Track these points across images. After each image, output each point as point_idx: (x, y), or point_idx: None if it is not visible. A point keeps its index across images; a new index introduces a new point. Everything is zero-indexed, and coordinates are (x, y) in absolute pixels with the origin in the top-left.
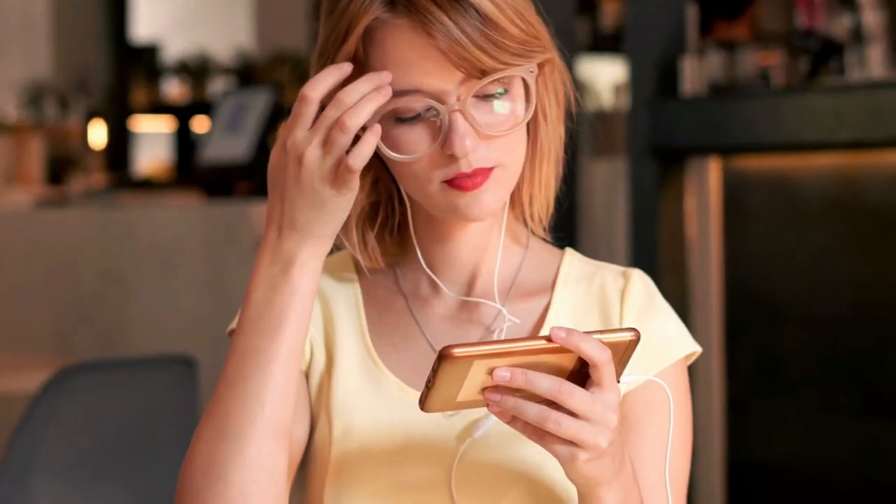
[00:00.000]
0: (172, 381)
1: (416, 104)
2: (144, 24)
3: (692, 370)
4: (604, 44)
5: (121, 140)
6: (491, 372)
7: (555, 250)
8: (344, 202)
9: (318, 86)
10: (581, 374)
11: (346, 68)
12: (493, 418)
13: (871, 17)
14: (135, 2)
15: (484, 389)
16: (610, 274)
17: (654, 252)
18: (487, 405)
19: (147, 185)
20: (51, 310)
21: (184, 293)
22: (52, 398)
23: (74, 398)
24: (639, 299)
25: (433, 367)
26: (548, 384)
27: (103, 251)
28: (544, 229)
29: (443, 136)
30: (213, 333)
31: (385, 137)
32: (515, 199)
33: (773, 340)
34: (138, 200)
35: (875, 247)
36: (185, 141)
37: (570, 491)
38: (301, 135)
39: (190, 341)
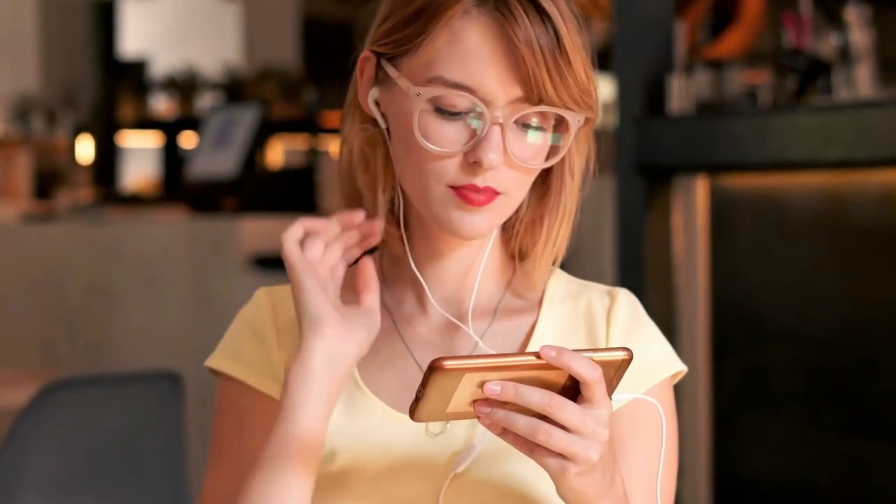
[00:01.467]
0: (158, 396)
1: (462, 102)
2: (132, 40)
3: (678, 387)
4: (591, 61)
5: (108, 155)
6: (481, 385)
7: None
8: None
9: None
10: (572, 390)
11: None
12: (476, 451)
13: (859, 37)
14: (123, 17)
15: (474, 402)
16: (596, 293)
17: (641, 269)
18: (478, 417)
19: (134, 201)
20: (37, 324)
21: (170, 308)
22: (37, 413)
23: (60, 413)
24: (625, 319)
25: (423, 379)
26: (538, 397)
27: (90, 266)
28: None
29: (475, 141)
30: (200, 348)
31: (420, 123)
32: (506, 242)
33: (759, 358)
34: (125, 215)
35: (861, 265)
36: (172, 156)
37: None
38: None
39: (176, 356)
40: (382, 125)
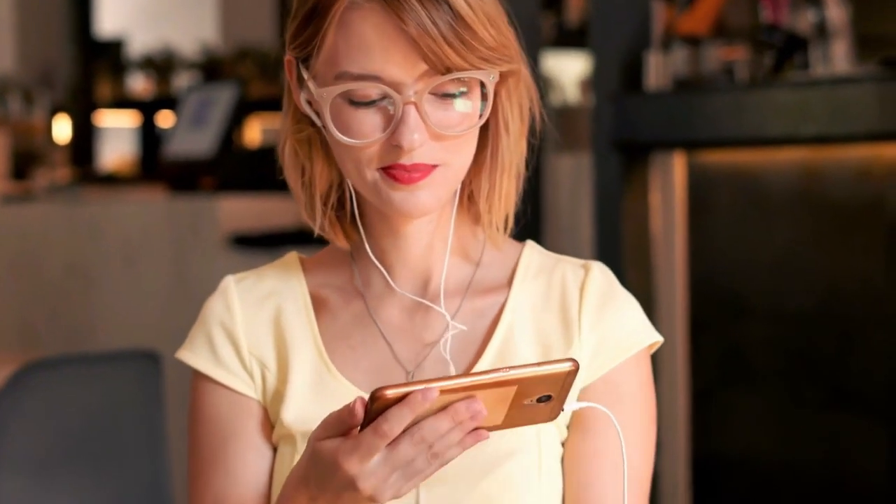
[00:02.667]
0: (137, 375)
1: (373, 90)
2: (109, 19)
3: (657, 364)
4: (568, 39)
5: (85, 135)
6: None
7: (515, 244)
8: None
9: (398, 426)
10: (528, 398)
11: (431, 395)
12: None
13: (836, 13)
14: None
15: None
16: (570, 267)
17: (619, 247)
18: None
19: (112, 180)
20: (15, 305)
21: (149, 288)
22: (15, 393)
23: (38, 393)
24: (598, 291)
25: (366, 408)
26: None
27: (68, 246)
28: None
29: (393, 126)
30: (179, 328)
31: (336, 118)
32: (470, 206)
33: (737, 335)
34: (103, 195)
35: (839, 241)
36: (149, 136)
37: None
38: (372, 467)
39: (155, 336)
40: (318, 123)
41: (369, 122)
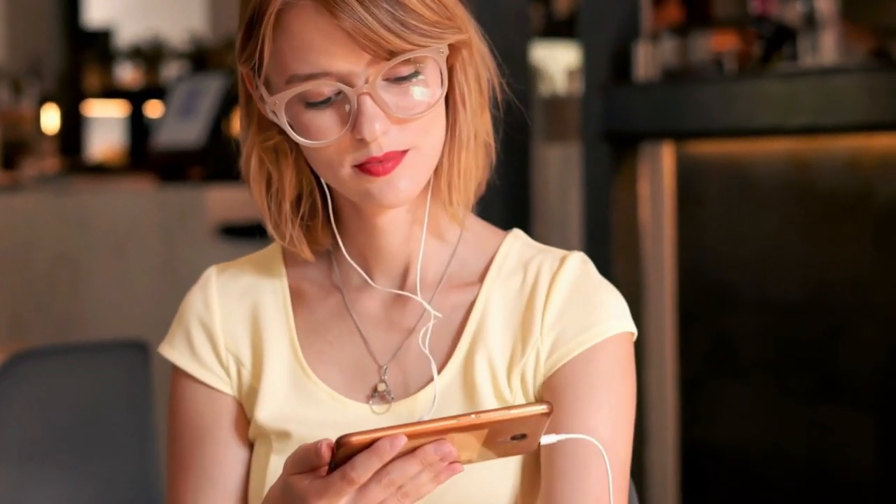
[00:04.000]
0: (126, 365)
1: (325, 88)
2: (98, 9)
3: (645, 354)
4: (557, 29)
5: (74, 125)
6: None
7: (497, 233)
8: None
9: (365, 473)
10: (502, 437)
11: (398, 443)
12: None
13: (824, 4)
14: None
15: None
16: (549, 258)
17: (608, 237)
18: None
19: (100, 170)
20: (4, 295)
21: (137, 278)
22: (4, 384)
23: (27, 383)
24: (569, 280)
25: (333, 452)
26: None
27: (57, 236)
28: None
29: (352, 119)
30: (167, 318)
31: (295, 123)
32: (438, 190)
33: (725, 324)
34: (92, 185)
35: (827, 232)
36: (138, 126)
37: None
38: None
39: (144, 326)
40: (287, 130)
41: (329, 121)
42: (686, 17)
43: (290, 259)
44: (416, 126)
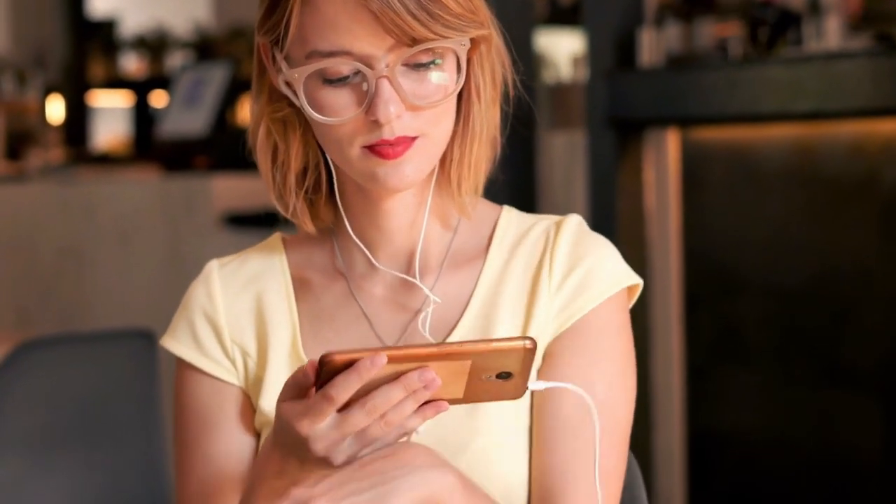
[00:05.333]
0: (131, 354)
1: (344, 67)
2: None
3: (652, 340)
4: (562, 16)
5: (79, 115)
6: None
7: (493, 207)
8: None
9: (344, 392)
10: (486, 374)
11: (379, 362)
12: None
13: None
14: None
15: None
16: (546, 224)
17: (613, 223)
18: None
19: (105, 160)
20: (10, 285)
21: (143, 267)
22: (10, 373)
23: (33, 373)
24: (569, 239)
25: (317, 371)
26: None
27: (62, 226)
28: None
29: (368, 101)
30: (172, 307)
31: (311, 98)
32: (443, 177)
33: (731, 311)
34: (97, 175)
35: (833, 217)
36: (143, 115)
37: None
38: (323, 430)
39: (149, 315)
40: (297, 103)
41: (344, 100)
42: (690, 3)
43: (291, 248)
44: (428, 114)
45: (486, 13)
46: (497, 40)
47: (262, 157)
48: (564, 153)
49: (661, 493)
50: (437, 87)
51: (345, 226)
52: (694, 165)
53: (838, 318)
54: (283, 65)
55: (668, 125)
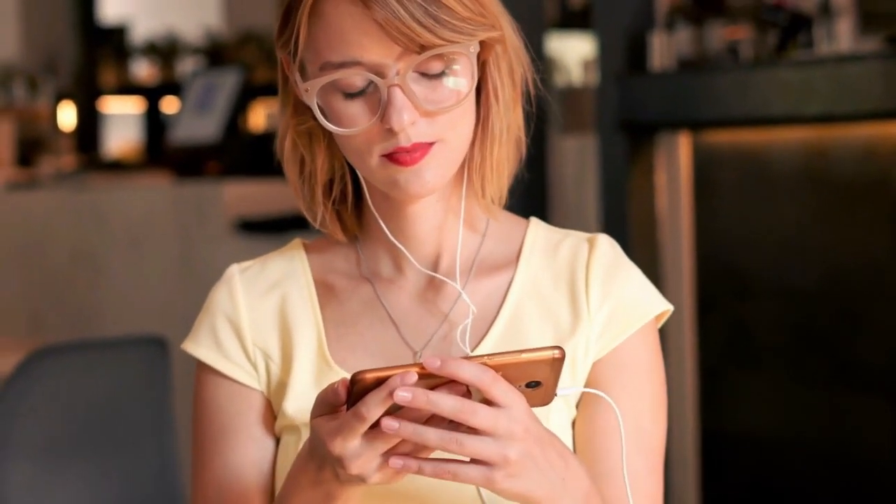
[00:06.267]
0: (144, 361)
1: (357, 78)
2: (112, 5)
3: (665, 342)
4: (572, 19)
5: (90, 121)
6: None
7: (520, 221)
8: None
9: (375, 410)
10: (516, 384)
11: (409, 379)
12: None
13: None
14: None
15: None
16: (576, 241)
17: (625, 227)
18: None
19: (117, 167)
20: (22, 292)
21: (155, 273)
22: (24, 380)
23: (46, 380)
24: (603, 265)
25: (348, 391)
26: (450, 403)
27: (74, 233)
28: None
29: (381, 109)
30: (185, 313)
31: (328, 109)
32: (468, 180)
33: (744, 313)
34: (108, 182)
35: (845, 219)
36: (154, 122)
37: None
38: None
39: (161, 321)
40: (318, 116)
41: (359, 110)
42: (700, 6)
43: (312, 253)
44: (444, 119)
45: (497, 13)
46: (514, 39)
47: (290, 168)
48: (576, 157)
49: (675, 493)
50: (450, 91)
51: (370, 231)
52: (705, 168)
53: (850, 320)
54: (298, 77)
55: (680, 128)
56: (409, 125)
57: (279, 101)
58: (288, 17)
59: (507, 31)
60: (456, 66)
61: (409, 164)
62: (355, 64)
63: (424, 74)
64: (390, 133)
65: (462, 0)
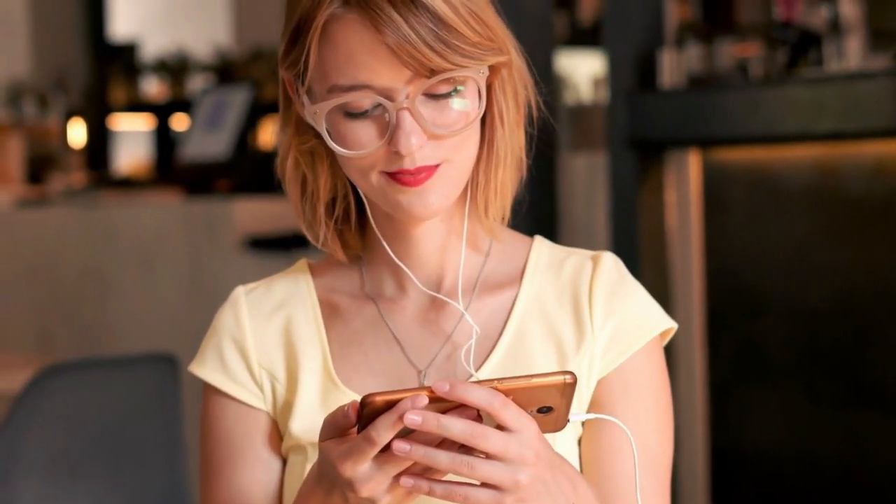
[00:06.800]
0: (155, 379)
1: (365, 101)
2: (122, 22)
3: (675, 359)
4: (582, 37)
5: (100, 138)
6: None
7: (524, 239)
8: None
9: (386, 434)
10: (528, 409)
11: (419, 403)
12: None
13: (849, 8)
14: (113, 0)
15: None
16: (580, 259)
17: (635, 244)
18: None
19: (127, 184)
20: (32, 309)
21: (165, 291)
22: (34, 397)
23: (57, 397)
24: (607, 283)
25: (357, 413)
26: (460, 427)
27: (84, 250)
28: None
29: (389, 132)
30: (195, 330)
31: (334, 131)
32: (471, 201)
33: (754, 330)
34: (118, 199)
35: (855, 237)
36: (164, 139)
37: None
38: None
39: (171, 339)
40: (325, 139)
41: (366, 133)
42: (710, 24)
43: (317, 273)
44: (451, 141)
45: (504, 37)
46: (518, 62)
47: (291, 188)
48: (586, 174)
49: None
50: (458, 114)
51: (373, 251)
52: (715, 186)
53: (861, 337)
54: (306, 99)
55: (689, 146)
56: (417, 149)
57: (280, 119)
58: (296, 37)
59: (513, 54)
60: (464, 89)
61: (413, 186)
62: (364, 87)
63: (432, 96)
64: (397, 155)
65: (472, 25)
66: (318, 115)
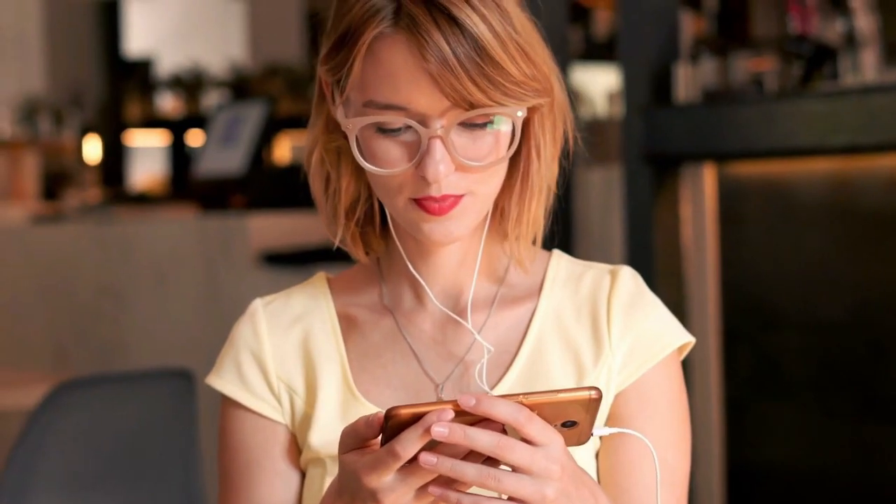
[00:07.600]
0: (170, 394)
1: (399, 121)
2: (138, 39)
3: (690, 374)
4: (597, 51)
5: (115, 155)
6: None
7: (542, 253)
8: None
9: (411, 447)
10: (552, 423)
11: (445, 416)
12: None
13: (864, 22)
14: (128, 16)
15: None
16: (598, 273)
17: (651, 259)
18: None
19: (142, 200)
20: (47, 325)
21: (180, 306)
22: (50, 413)
23: (72, 413)
24: (625, 297)
25: (382, 427)
26: (487, 439)
27: (99, 266)
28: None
29: (419, 157)
30: (211, 346)
31: (364, 145)
32: (499, 227)
33: (770, 345)
34: (134, 215)
35: (871, 251)
36: (179, 155)
37: None
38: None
39: (187, 354)
40: (355, 154)
41: (396, 152)
42: (725, 38)
43: (335, 287)
44: (477, 175)
45: (549, 73)
46: (561, 97)
47: (315, 183)
48: (601, 189)
49: None
50: (490, 148)
51: (392, 259)
52: (731, 200)
53: (877, 351)
54: (341, 109)
55: (705, 160)
56: (444, 178)
57: (312, 113)
58: (341, 45)
59: (556, 89)
60: (499, 125)
61: (437, 214)
62: (401, 109)
63: (466, 125)
64: (424, 181)
65: (517, 62)
66: (350, 129)
